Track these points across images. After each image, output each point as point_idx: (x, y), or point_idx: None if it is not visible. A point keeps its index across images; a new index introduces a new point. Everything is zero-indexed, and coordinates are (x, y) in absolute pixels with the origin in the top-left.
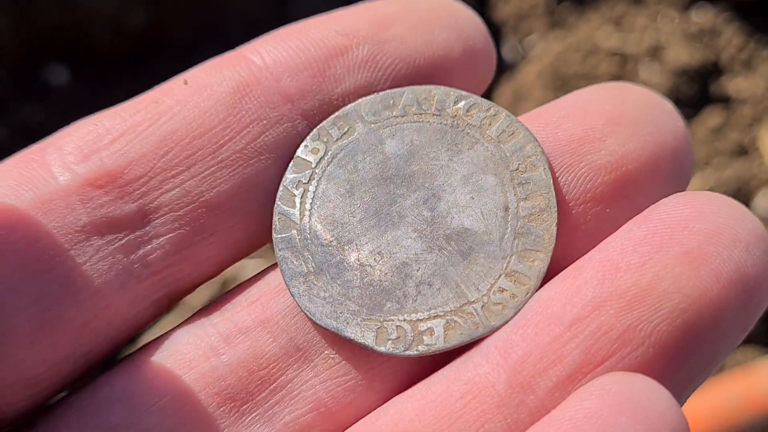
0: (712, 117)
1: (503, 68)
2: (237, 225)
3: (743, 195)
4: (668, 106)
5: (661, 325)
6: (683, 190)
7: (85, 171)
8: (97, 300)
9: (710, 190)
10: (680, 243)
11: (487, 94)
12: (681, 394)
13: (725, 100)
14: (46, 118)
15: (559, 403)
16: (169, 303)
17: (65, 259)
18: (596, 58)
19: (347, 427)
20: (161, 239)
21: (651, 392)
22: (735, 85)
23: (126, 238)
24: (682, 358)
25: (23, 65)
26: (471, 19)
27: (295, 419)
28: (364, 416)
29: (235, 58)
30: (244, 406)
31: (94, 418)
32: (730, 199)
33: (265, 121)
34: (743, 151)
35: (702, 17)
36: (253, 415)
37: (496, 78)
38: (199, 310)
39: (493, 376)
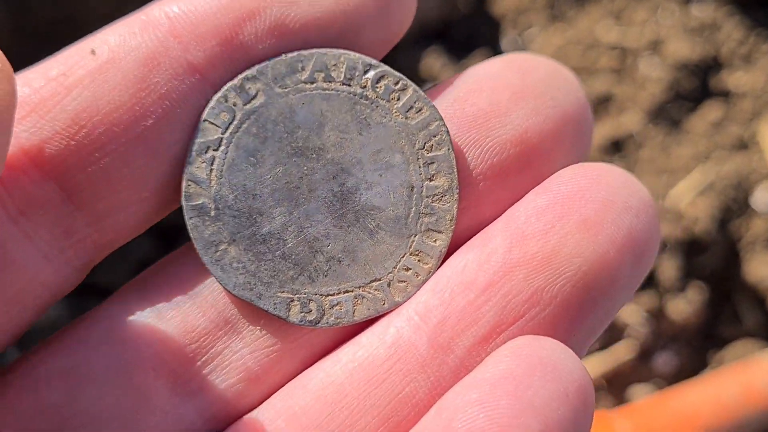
0: (712, 111)
1: None
2: (151, 197)
3: (743, 189)
4: (570, 76)
5: (565, 287)
6: (585, 155)
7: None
8: (23, 274)
9: (710, 184)
10: (578, 212)
11: None
12: (583, 347)
13: (725, 94)
14: None
15: (477, 361)
16: (88, 267)
17: None
18: (596, 51)
19: (272, 390)
20: (83, 212)
21: (559, 353)
22: (735, 79)
23: (49, 216)
24: (584, 315)
25: (18, 63)
26: None
27: (227, 388)
28: (286, 379)
29: (144, 25)
30: (179, 379)
31: (32, 396)
32: (621, 169)
33: (174, 95)
34: (743, 145)
35: (702, 11)
36: (190, 386)
37: None
38: (130, 283)
39: (415, 338)
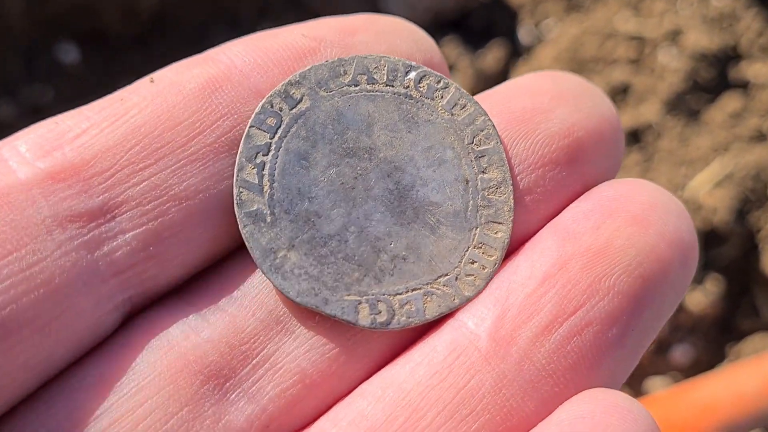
0: (730, 102)
1: (520, 51)
2: (206, 221)
3: (762, 180)
4: (600, 92)
5: (622, 276)
6: (618, 165)
7: (47, 165)
8: (59, 300)
9: (729, 175)
10: (626, 210)
11: (504, 77)
12: (639, 347)
13: (744, 86)
14: (55, 97)
15: (540, 352)
16: (132, 308)
17: (24, 254)
18: (614, 42)
19: (333, 399)
20: (127, 235)
21: (630, 401)
22: (754, 70)
23: (90, 234)
24: (641, 308)
25: (33, 44)
26: (427, 38)
27: (281, 392)
28: (348, 386)
29: (204, 59)
30: (228, 383)
31: (66, 407)
32: (655, 184)
33: (236, 116)
34: (762, 136)
35: (721, 1)
36: (238, 391)
37: (512, 61)
38: (174, 289)
39: (475, 333)
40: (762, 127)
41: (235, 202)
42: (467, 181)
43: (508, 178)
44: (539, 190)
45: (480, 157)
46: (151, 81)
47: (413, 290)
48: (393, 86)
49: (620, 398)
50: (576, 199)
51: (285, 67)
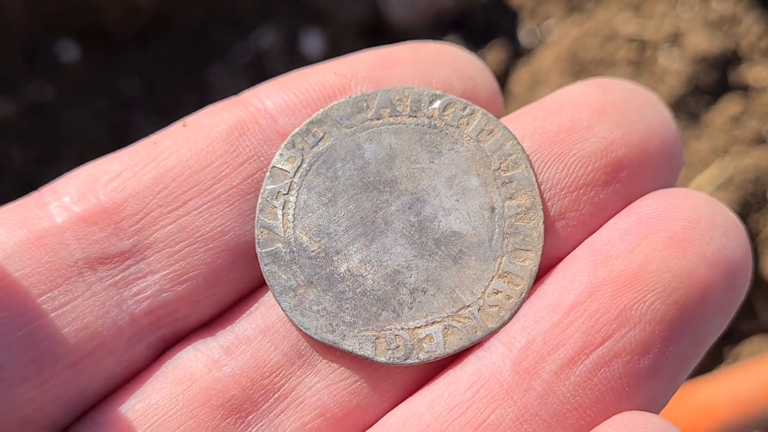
0: (731, 105)
1: (520, 52)
2: (233, 261)
3: (761, 184)
4: (654, 98)
5: (655, 303)
6: (674, 181)
7: (81, 209)
8: (90, 337)
9: (729, 178)
10: (664, 229)
11: (504, 78)
12: (678, 374)
13: (744, 89)
14: (55, 95)
15: (564, 385)
16: (165, 347)
17: (57, 295)
18: (615, 43)
19: None
20: (156, 275)
21: (665, 426)
22: (755, 73)
23: (120, 275)
24: (677, 336)
25: (34, 42)
26: (472, 61)
27: (302, 426)
28: (370, 421)
29: (235, 103)
30: (250, 417)
31: None
32: (703, 194)
33: (262, 158)
34: (762, 139)
35: (722, 5)
36: (260, 425)
37: (513, 62)
38: (198, 327)
39: (499, 365)
40: (762, 130)
41: (256, 241)
42: (493, 209)
43: (537, 204)
44: (572, 215)
45: (507, 183)
46: (184, 125)
47: (433, 323)
48: (416, 117)
49: (651, 424)
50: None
51: (314, 107)
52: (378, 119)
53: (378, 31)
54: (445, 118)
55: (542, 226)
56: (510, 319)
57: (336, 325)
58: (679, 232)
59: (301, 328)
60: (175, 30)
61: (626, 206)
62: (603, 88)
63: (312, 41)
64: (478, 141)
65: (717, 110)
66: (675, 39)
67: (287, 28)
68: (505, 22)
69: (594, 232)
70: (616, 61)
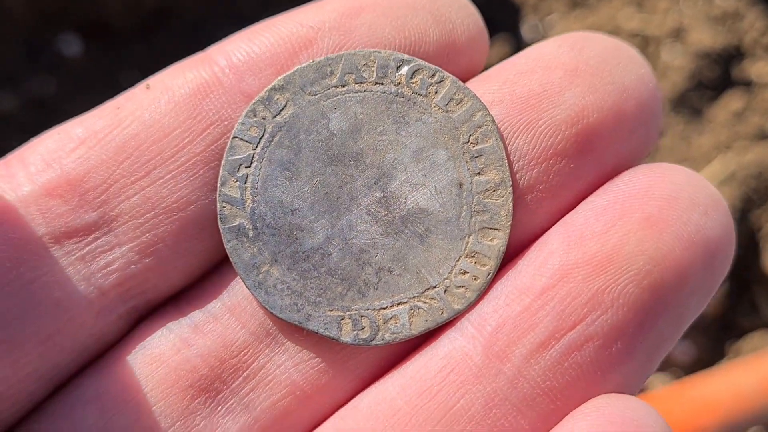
0: (733, 100)
1: (523, 48)
2: (200, 232)
3: (764, 179)
4: (632, 52)
5: (628, 287)
6: (653, 139)
7: (45, 180)
8: (59, 312)
9: (731, 174)
10: (641, 209)
11: None
12: (654, 358)
13: (747, 84)
14: (57, 89)
15: (535, 370)
16: (138, 317)
17: (24, 271)
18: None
19: (325, 412)
20: (123, 248)
21: (643, 412)
22: (757, 69)
23: (87, 248)
24: (651, 319)
25: (36, 36)
26: (453, 2)
27: (272, 405)
28: (340, 399)
29: (200, 60)
30: (220, 396)
31: (66, 422)
32: (686, 169)
33: (226, 122)
34: (765, 135)
35: (725, 0)
36: (230, 403)
37: None
38: (169, 297)
39: (469, 348)
40: (765, 125)
41: (219, 216)
42: (461, 185)
43: (507, 179)
44: (542, 187)
45: (476, 157)
46: (147, 87)
47: (399, 304)
48: (383, 84)
49: (630, 409)
50: (594, 189)
51: (279, 64)
52: (343, 86)
53: None
54: (413, 85)
55: (511, 204)
56: (477, 300)
57: (301, 305)
58: (656, 212)
59: (266, 306)
60: (177, 24)
61: (601, 174)
62: (576, 46)
63: None
64: (446, 111)
65: (720, 106)
66: (678, 34)
67: None
68: (507, 18)
69: (567, 202)
70: None
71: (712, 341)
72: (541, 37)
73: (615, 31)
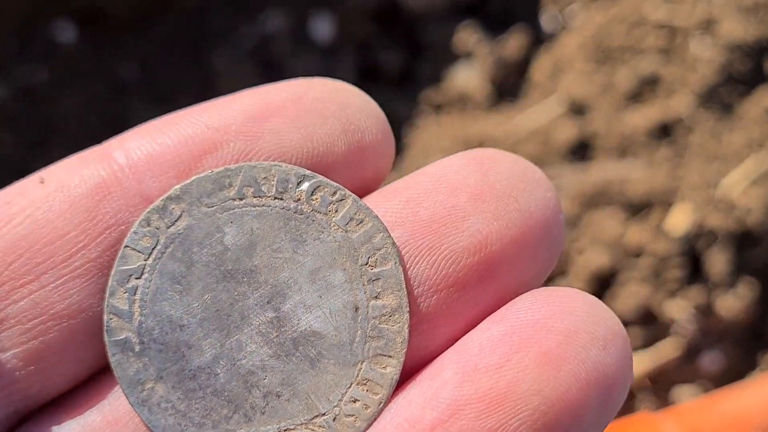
0: (766, 96)
1: (542, 39)
2: (90, 339)
3: None
4: (538, 174)
5: (521, 429)
6: (553, 261)
7: None
8: None
9: (764, 173)
10: (538, 343)
11: (525, 66)
12: None
13: None
14: (50, 78)
15: None
16: (19, 420)
17: None
18: (643, 30)
19: None
20: (8, 353)
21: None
22: None
23: None
24: None
25: (28, 23)
26: (363, 109)
27: None
28: None
29: (99, 155)
30: None
31: None
32: (588, 296)
33: (123, 227)
34: None
35: None
36: None
37: (534, 49)
38: (55, 399)
39: None
40: None
41: (104, 328)
42: (357, 308)
43: (404, 305)
44: (440, 315)
45: (374, 280)
46: (42, 181)
47: (285, 431)
48: (282, 199)
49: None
50: (491, 312)
51: (181, 167)
52: (241, 199)
53: (391, 16)
54: (313, 202)
55: (407, 331)
56: (366, 430)
57: (185, 426)
58: (554, 347)
59: (149, 425)
60: (175, 12)
61: (500, 298)
62: (483, 168)
63: (321, 25)
64: (346, 231)
65: (752, 101)
66: (707, 26)
67: (295, 10)
68: (526, 7)
69: (464, 326)
70: (644, 49)
71: (743, 351)
72: (561, 27)
73: (640, 22)
